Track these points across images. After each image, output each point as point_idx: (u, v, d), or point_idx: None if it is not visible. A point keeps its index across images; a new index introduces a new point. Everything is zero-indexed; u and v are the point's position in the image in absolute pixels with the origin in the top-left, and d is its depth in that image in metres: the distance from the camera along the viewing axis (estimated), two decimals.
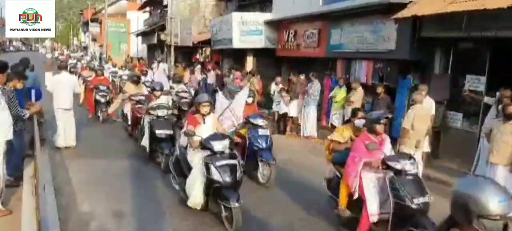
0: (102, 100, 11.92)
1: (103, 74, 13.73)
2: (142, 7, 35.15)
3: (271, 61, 15.65)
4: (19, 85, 6.34)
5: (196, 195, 5.18)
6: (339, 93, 10.31)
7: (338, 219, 5.23)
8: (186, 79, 14.89)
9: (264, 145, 6.92)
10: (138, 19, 36.03)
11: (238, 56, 17.68)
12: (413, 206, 4.29)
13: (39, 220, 3.91)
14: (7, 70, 5.93)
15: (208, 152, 5.15)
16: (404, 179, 4.46)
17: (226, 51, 18.56)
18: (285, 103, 11.37)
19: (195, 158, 5.31)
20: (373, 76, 10.56)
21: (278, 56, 15.09)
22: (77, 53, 42.65)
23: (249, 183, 6.62)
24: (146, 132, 7.78)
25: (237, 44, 15.66)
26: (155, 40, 27.65)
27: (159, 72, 16.60)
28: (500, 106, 6.59)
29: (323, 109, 11.44)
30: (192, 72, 17.00)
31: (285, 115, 11.55)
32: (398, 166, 4.48)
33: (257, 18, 15.58)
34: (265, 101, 12.81)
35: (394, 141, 9.24)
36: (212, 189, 5.08)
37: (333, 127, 10.46)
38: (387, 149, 4.86)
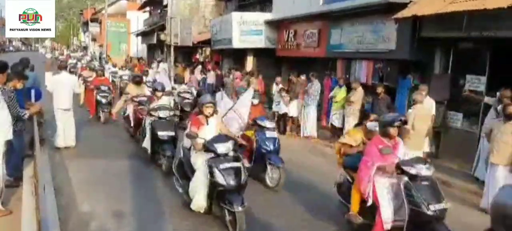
0: (104, 101, 11.75)
1: (104, 75, 13.62)
2: (142, 7, 35.15)
3: (271, 61, 15.65)
4: (19, 85, 6.33)
5: (199, 198, 5.08)
6: (339, 93, 10.31)
7: (349, 225, 5.05)
8: (186, 79, 14.87)
9: (272, 148, 6.77)
10: (138, 19, 36.03)
11: (238, 56, 17.68)
12: (429, 212, 4.13)
13: (39, 220, 3.90)
14: (7, 70, 5.92)
15: (212, 154, 5.04)
16: (419, 184, 4.28)
17: (226, 51, 18.57)
18: (285, 103, 11.36)
19: (199, 161, 5.20)
20: (373, 76, 10.56)
21: (278, 56, 15.10)
22: (77, 53, 42.62)
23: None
24: (147, 133, 7.64)
25: (237, 44, 15.66)
26: (155, 40, 27.65)
27: (161, 73, 16.46)
28: (499, 106, 6.59)
29: (323, 109, 11.43)
30: (192, 72, 17.00)
31: (285, 115, 11.54)
32: (413, 171, 4.30)
33: (257, 18, 15.58)
34: (267, 101, 12.79)
35: None
36: (215, 193, 4.96)
37: (333, 127, 10.49)
38: (401, 153, 4.68)
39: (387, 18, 9.32)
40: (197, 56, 22.66)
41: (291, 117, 11.45)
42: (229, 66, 17.66)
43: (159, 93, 8.08)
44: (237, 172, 4.96)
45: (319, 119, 11.37)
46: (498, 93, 7.03)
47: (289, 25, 14.16)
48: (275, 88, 12.12)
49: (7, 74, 5.88)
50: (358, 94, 9.65)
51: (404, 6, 8.74)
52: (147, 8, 34.42)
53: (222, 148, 5.04)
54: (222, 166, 4.88)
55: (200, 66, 18.28)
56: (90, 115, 12.15)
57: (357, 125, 5.75)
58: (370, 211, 4.58)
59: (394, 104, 9.46)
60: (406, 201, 4.24)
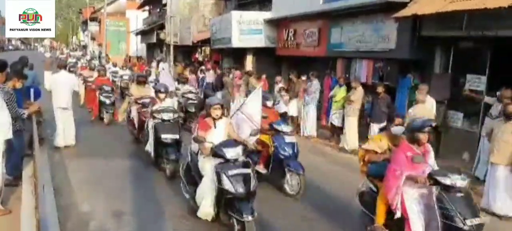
0: (107, 101, 11.44)
1: (106, 74, 13.36)
2: (141, 6, 35.11)
3: (271, 61, 15.63)
4: (18, 84, 6.33)
5: (206, 205, 4.88)
6: (339, 93, 10.30)
7: None
8: None
9: (291, 153, 6.43)
10: (137, 18, 35.98)
11: (237, 55, 17.66)
12: (466, 227, 3.80)
13: (38, 220, 3.89)
14: (6, 69, 5.91)
15: (220, 160, 4.82)
16: (453, 196, 3.97)
17: (225, 50, 18.54)
18: (284, 102, 11.34)
19: (206, 166, 4.99)
20: (373, 75, 10.55)
21: (278, 55, 15.08)
22: (77, 52, 42.57)
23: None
24: (150, 136, 7.39)
25: (236, 43, 15.63)
26: (154, 39, 27.62)
27: (164, 73, 16.09)
28: (499, 106, 6.58)
29: (323, 108, 11.42)
30: (192, 72, 16.95)
31: (284, 114, 11.52)
32: (447, 181, 3.99)
33: (256, 17, 15.54)
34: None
35: None
36: (223, 200, 4.73)
37: (333, 126, 10.48)
38: (432, 161, 4.37)
39: (387, 17, 9.31)
40: (197, 55, 22.63)
41: (291, 116, 11.44)
42: (228, 65, 17.63)
43: (162, 95, 7.81)
44: (246, 178, 4.71)
45: (319, 118, 11.36)
46: (498, 93, 7.02)
47: (289, 24, 14.14)
48: (275, 87, 12.11)
49: (6, 73, 5.87)
50: (358, 94, 9.64)
51: (404, 5, 8.72)
52: (147, 7, 34.39)
53: (232, 152, 4.82)
54: (230, 172, 4.65)
55: (203, 67, 18.01)
56: (92, 116, 11.88)
57: (381, 130, 5.39)
58: (397, 224, 4.26)
59: (394, 103, 9.46)
60: (439, 214, 3.93)
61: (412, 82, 9.33)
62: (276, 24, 14.97)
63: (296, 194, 6.20)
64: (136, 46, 37.74)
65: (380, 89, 9.16)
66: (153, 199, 6.09)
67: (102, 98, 11.47)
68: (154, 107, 7.56)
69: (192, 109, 10.99)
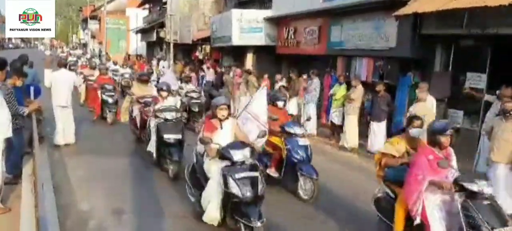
0: (110, 100, 11.22)
1: (107, 73, 13.11)
2: (141, 4, 35.11)
3: (271, 59, 15.62)
4: (18, 82, 6.33)
5: (212, 209, 4.70)
6: (339, 91, 10.28)
7: None
8: None
9: (304, 156, 6.18)
10: (137, 16, 35.98)
11: (237, 53, 17.64)
12: None
13: (37, 218, 3.89)
14: (6, 67, 5.90)
15: (227, 162, 4.63)
16: (480, 204, 3.73)
17: (225, 49, 18.52)
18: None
19: (212, 168, 4.81)
20: (373, 74, 10.56)
21: (278, 54, 15.06)
22: (77, 51, 42.54)
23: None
24: (152, 136, 7.22)
25: (236, 41, 15.62)
26: (154, 38, 27.62)
27: (167, 71, 15.91)
28: (499, 104, 6.56)
29: (323, 107, 11.41)
30: (192, 70, 16.94)
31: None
32: (474, 188, 3.77)
33: (256, 15, 15.53)
34: None
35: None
36: (230, 204, 4.55)
37: (333, 125, 10.47)
38: (455, 165, 4.19)
39: (388, 16, 9.29)
40: (197, 53, 22.61)
41: (291, 115, 11.42)
42: (228, 63, 17.61)
43: (164, 94, 7.63)
44: (254, 182, 4.52)
45: (318, 117, 11.35)
46: (498, 92, 7.01)
47: (289, 22, 14.12)
48: (275, 86, 12.09)
49: (6, 72, 5.87)
50: (358, 92, 9.62)
51: (404, 3, 8.71)
52: (147, 5, 34.40)
53: (239, 155, 4.63)
54: (237, 175, 4.47)
55: (205, 66, 17.79)
56: (94, 116, 11.58)
57: (398, 132, 5.02)
58: None
59: (394, 102, 9.45)
60: (464, 223, 3.69)
61: (413, 80, 9.32)
62: (276, 22, 14.95)
63: (310, 199, 5.98)
64: (136, 45, 37.71)
65: (380, 87, 9.15)
66: (153, 198, 6.08)
67: (104, 97, 11.29)
68: (157, 107, 7.38)
69: (196, 109, 10.85)
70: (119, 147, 8.88)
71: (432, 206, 3.93)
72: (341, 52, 11.65)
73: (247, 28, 15.44)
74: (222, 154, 4.69)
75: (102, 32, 38.44)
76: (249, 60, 16.81)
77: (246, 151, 4.72)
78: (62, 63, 9.20)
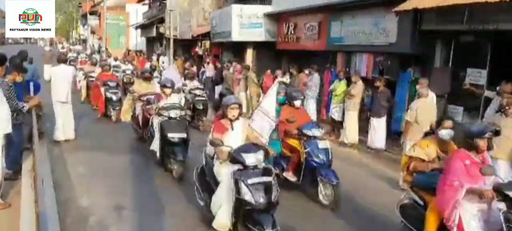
0: (114, 98, 11.00)
1: (110, 69, 12.90)
2: (141, 0, 34.98)
3: (271, 55, 15.60)
4: (18, 78, 6.33)
5: (222, 216, 4.40)
6: (339, 87, 10.28)
7: None
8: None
9: (325, 160, 5.86)
10: (137, 12, 35.87)
11: (237, 49, 17.61)
12: None
13: (37, 213, 3.89)
14: (6, 63, 5.90)
15: (238, 166, 4.36)
16: None
17: (225, 44, 18.49)
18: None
19: (223, 172, 4.54)
20: (373, 69, 10.54)
21: (278, 50, 15.04)
22: (77, 46, 42.44)
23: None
24: (156, 134, 7.00)
25: (236, 37, 15.59)
26: (154, 33, 27.54)
27: (170, 67, 15.65)
28: (499, 100, 6.56)
29: (323, 102, 11.41)
30: (191, 65, 16.92)
31: None
32: None
33: (257, 10, 15.50)
34: None
35: (393, 135, 9.27)
36: (242, 211, 4.26)
37: (333, 121, 10.46)
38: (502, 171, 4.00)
39: (388, 11, 9.27)
40: (197, 49, 22.57)
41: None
42: (228, 59, 17.57)
43: (168, 91, 7.38)
44: (267, 187, 4.23)
45: (318, 112, 11.35)
46: (498, 88, 7.00)
47: (289, 18, 14.09)
48: (275, 81, 12.06)
49: (5, 67, 5.86)
50: (358, 88, 9.62)
51: None
52: (146, 1, 34.25)
53: (252, 158, 4.34)
54: (250, 181, 4.19)
55: (210, 65, 17.49)
56: (98, 114, 11.32)
57: (427, 134, 4.65)
58: None
59: (394, 98, 9.45)
60: None
61: (412, 76, 9.32)
62: (277, 18, 14.92)
63: (330, 204, 5.67)
64: (136, 40, 37.65)
65: (379, 83, 9.14)
66: (153, 193, 6.08)
67: (108, 94, 11.05)
68: (160, 104, 7.15)
69: (200, 107, 10.59)
70: (121, 144, 8.76)
71: (469, 215, 3.64)
72: (341, 48, 11.63)
73: (247, 23, 15.41)
74: (234, 157, 4.40)
75: (101, 27, 38.38)
76: (249, 56, 16.79)
77: (260, 154, 4.42)
78: (62, 59, 9.13)
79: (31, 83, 7.09)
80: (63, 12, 76.62)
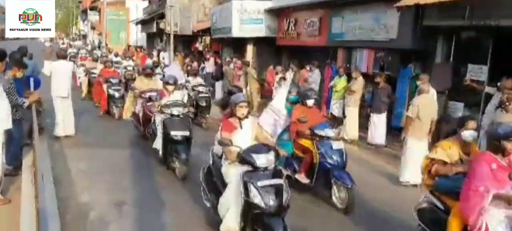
0: (117, 95, 10.82)
1: (112, 66, 12.69)
2: None
3: (272, 50, 15.57)
4: (19, 74, 6.31)
5: (230, 219, 4.20)
6: (340, 83, 10.27)
7: None
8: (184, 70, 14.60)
9: (339, 162, 5.64)
10: (137, 8, 35.80)
11: (238, 45, 17.58)
12: None
13: (38, 209, 3.90)
14: (6, 58, 5.88)
15: (248, 167, 4.15)
16: None
17: (225, 40, 18.45)
18: None
19: (231, 173, 4.36)
20: (374, 65, 10.52)
21: (278, 45, 15.00)
22: (77, 42, 42.38)
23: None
24: (158, 132, 6.85)
25: (236, 33, 15.56)
26: (154, 29, 27.50)
27: (173, 63, 15.51)
28: (500, 96, 6.55)
29: (323, 98, 11.39)
30: (192, 61, 16.88)
31: None
32: None
33: (257, 6, 15.45)
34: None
35: (394, 131, 9.26)
36: (251, 214, 4.06)
37: (333, 117, 10.44)
38: None
39: (389, 7, 9.23)
40: (197, 45, 22.54)
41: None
42: (228, 55, 17.54)
43: (170, 87, 7.22)
44: (278, 190, 4.03)
45: (319, 108, 11.32)
46: (499, 84, 6.98)
47: (289, 13, 14.05)
48: (275, 77, 12.06)
49: (5, 63, 5.85)
50: (359, 84, 9.60)
51: None
52: None
53: (262, 159, 4.13)
54: (260, 183, 3.99)
55: (212, 59, 17.38)
56: (100, 111, 11.16)
57: (448, 135, 4.41)
58: None
59: (394, 93, 9.44)
60: None
61: (413, 72, 9.30)
62: (277, 13, 14.87)
63: (345, 208, 5.45)
64: (136, 36, 37.60)
65: (380, 79, 9.12)
66: (154, 189, 6.08)
67: (111, 91, 10.89)
68: (163, 101, 6.99)
69: (203, 104, 10.44)
70: (122, 141, 8.67)
71: (496, 221, 3.48)
72: (341, 44, 11.60)
73: (248, 19, 15.37)
74: (243, 158, 4.19)
75: (102, 23, 38.28)
76: (249, 51, 16.76)
77: (271, 155, 4.20)
78: (61, 55, 9.09)
79: (31, 79, 7.08)
80: (63, 8, 76.51)
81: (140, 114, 8.46)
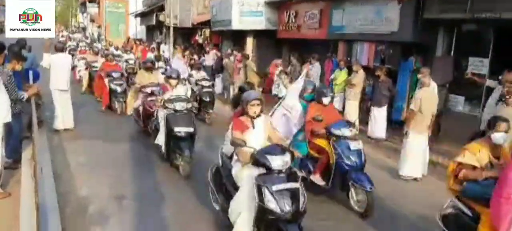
0: (119, 89, 10.59)
1: (113, 59, 12.40)
2: None
3: (272, 43, 15.51)
4: (18, 67, 6.30)
5: (242, 225, 3.95)
6: (340, 76, 10.23)
7: None
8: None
9: (358, 163, 5.34)
10: (137, 0, 35.62)
11: (237, 37, 17.51)
12: None
13: (37, 203, 3.90)
14: (4, 51, 5.85)
15: (261, 169, 3.90)
16: None
17: (225, 33, 18.38)
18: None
19: (243, 175, 4.09)
20: (374, 58, 10.48)
21: (278, 38, 14.94)
22: (76, 35, 42.20)
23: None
24: (161, 128, 6.68)
25: (236, 25, 15.49)
26: (154, 21, 27.35)
27: (175, 57, 15.11)
28: (501, 89, 6.52)
29: None
30: (191, 54, 16.81)
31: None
32: None
33: None
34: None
35: (394, 124, 9.25)
36: (265, 220, 3.80)
37: None
38: None
39: None
40: (197, 37, 22.45)
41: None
42: (228, 48, 17.47)
43: (173, 82, 6.95)
44: (294, 195, 3.78)
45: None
46: (500, 77, 6.95)
47: (290, 6, 13.96)
48: (275, 70, 12.02)
49: (4, 55, 5.82)
50: (359, 77, 9.57)
51: None
52: None
53: (278, 161, 3.84)
54: (275, 188, 3.72)
55: (215, 52, 17.22)
56: (102, 106, 10.94)
57: (475, 136, 4.11)
58: None
59: (395, 87, 9.41)
60: None
61: (414, 65, 9.27)
62: (277, 6, 14.79)
63: (364, 211, 5.17)
64: (136, 29, 37.43)
65: (380, 72, 9.09)
66: (154, 183, 6.08)
67: (112, 86, 10.65)
68: (165, 96, 6.75)
69: (207, 99, 10.21)
70: (123, 136, 8.57)
71: None
72: (342, 37, 11.54)
73: (248, 11, 15.29)
74: (257, 160, 3.91)
75: (101, 15, 38.16)
76: (249, 44, 16.69)
77: (286, 157, 3.91)
78: (60, 48, 9.04)
79: (30, 72, 7.06)
80: (62, 0, 76.18)
81: (141, 109, 8.34)
